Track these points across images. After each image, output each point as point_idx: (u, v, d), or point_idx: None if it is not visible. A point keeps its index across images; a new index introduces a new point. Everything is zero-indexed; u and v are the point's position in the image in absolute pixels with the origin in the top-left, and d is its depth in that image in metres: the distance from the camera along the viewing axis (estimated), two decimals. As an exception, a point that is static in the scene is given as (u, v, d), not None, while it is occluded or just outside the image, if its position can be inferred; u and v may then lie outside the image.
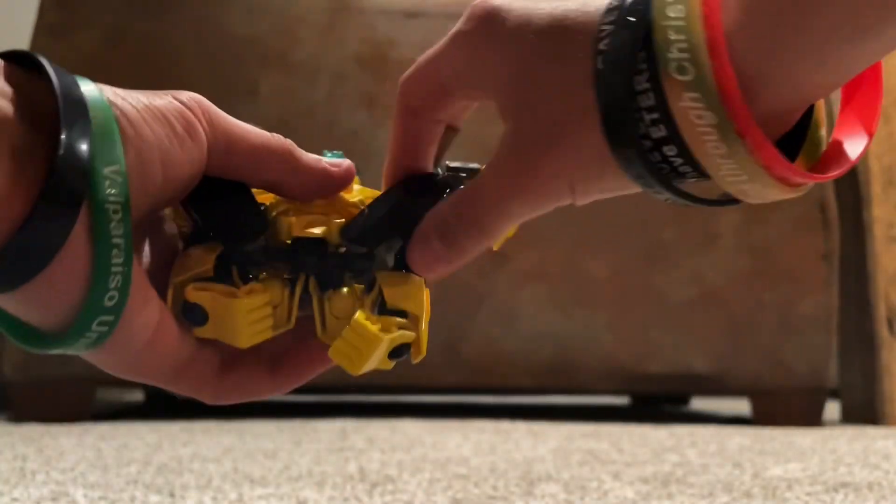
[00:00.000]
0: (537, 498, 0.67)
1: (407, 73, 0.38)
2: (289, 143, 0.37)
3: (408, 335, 0.36)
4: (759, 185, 0.32)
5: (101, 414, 1.38)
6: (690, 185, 0.34)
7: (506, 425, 1.22)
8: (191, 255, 0.36)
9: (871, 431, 1.28)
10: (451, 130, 0.39)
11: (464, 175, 0.38)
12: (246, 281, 0.36)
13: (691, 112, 0.31)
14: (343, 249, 0.37)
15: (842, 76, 0.32)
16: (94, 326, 0.31)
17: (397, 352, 0.36)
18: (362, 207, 0.38)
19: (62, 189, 0.30)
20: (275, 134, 0.36)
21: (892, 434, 1.23)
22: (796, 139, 0.34)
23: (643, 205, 1.32)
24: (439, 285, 1.41)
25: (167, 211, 0.37)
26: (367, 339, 0.35)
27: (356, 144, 1.28)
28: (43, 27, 1.32)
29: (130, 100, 0.33)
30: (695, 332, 1.36)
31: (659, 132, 0.32)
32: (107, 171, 0.31)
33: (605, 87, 0.32)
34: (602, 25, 0.32)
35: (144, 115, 0.33)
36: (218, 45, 1.34)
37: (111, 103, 0.32)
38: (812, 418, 1.36)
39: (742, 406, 1.57)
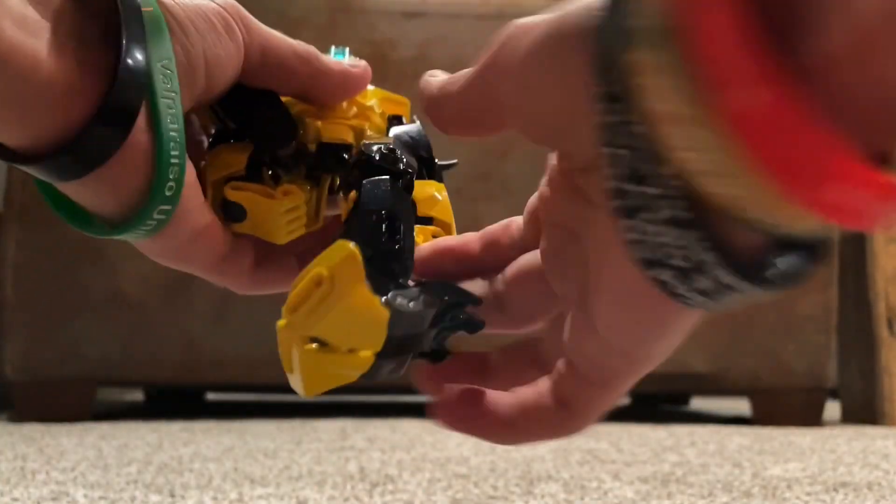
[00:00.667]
0: (537, 497, 0.67)
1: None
2: (313, 48, 0.38)
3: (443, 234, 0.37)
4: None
5: (101, 414, 1.38)
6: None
7: (506, 425, 1.22)
8: (222, 154, 0.37)
9: (870, 431, 1.28)
10: None
11: None
12: (276, 181, 0.37)
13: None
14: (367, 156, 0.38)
15: None
16: (154, 214, 0.33)
17: None
18: (378, 111, 0.39)
19: (128, 81, 0.31)
20: (299, 41, 0.38)
21: (891, 434, 1.24)
22: None
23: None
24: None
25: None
26: None
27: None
28: None
29: None
30: (694, 332, 1.35)
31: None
32: (159, 65, 0.32)
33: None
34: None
35: (189, 13, 0.34)
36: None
37: (158, 0, 0.33)
38: (811, 418, 1.36)
39: (741, 406, 1.57)
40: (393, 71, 1.23)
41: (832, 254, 1.38)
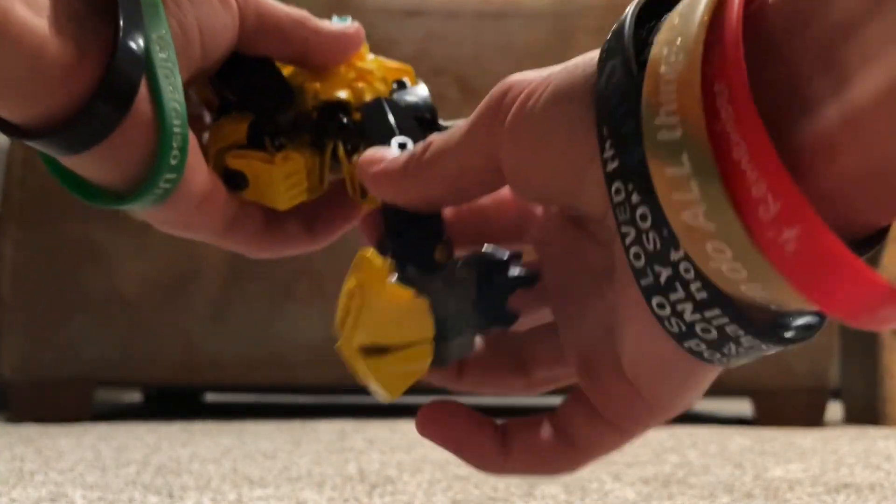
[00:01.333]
0: (537, 499, 0.67)
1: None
2: (306, 12, 0.39)
3: None
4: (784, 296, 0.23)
5: (99, 414, 1.38)
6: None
7: (506, 426, 1.22)
8: (223, 125, 0.38)
9: (872, 432, 1.28)
10: None
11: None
12: (278, 149, 0.38)
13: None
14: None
15: None
16: (161, 183, 0.34)
17: None
18: (380, 76, 0.40)
19: (128, 56, 0.32)
20: (292, 6, 0.38)
21: (893, 434, 1.23)
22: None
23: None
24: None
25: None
26: None
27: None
28: None
29: None
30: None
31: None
32: (155, 36, 0.33)
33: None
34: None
35: None
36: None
37: None
38: (813, 419, 1.36)
39: (743, 406, 1.56)
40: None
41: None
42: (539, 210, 0.33)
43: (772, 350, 0.26)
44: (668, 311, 0.25)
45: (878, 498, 0.69)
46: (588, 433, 0.30)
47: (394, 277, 0.30)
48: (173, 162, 0.34)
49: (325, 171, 0.39)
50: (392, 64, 0.41)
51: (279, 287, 1.34)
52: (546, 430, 0.31)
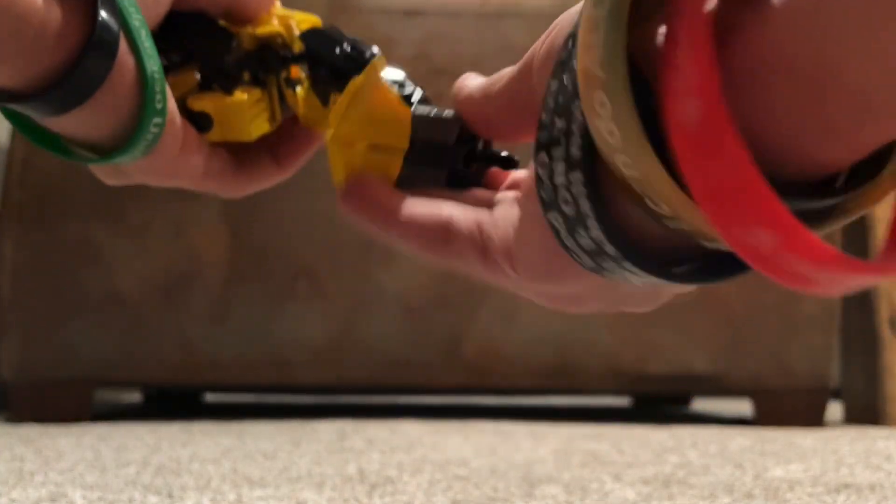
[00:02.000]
0: (538, 499, 0.67)
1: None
2: None
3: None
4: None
5: (99, 415, 1.38)
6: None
7: (506, 426, 1.22)
8: (173, 81, 0.40)
9: (872, 432, 1.27)
10: None
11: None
12: (228, 92, 0.41)
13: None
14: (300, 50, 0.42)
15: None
16: (150, 128, 0.37)
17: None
18: (296, 20, 0.43)
19: (108, 9, 0.35)
20: None
21: (894, 435, 1.23)
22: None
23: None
24: (439, 285, 1.40)
25: None
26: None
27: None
28: None
29: None
30: (696, 333, 1.35)
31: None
32: None
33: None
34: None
35: None
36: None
37: None
38: (814, 419, 1.36)
39: (743, 407, 1.56)
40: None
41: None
42: None
43: (632, 272, 0.25)
44: (545, 171, 0.25)
45: (879, 498, 0.69)
46: (468, 251, 0.32)
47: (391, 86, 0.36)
48: (158, 106, 0.36)
49: (276, 104, 0.42)
50: (303, 14, 0.44)
51: (279, 287, 1.34)
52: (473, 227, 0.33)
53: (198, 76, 0.41)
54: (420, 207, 0.34)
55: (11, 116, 0.38)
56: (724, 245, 0.22)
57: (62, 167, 1.32)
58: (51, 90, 0.34)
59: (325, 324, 1.33)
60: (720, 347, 1.36)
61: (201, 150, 0.40)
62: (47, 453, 0.91)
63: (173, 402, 1.85)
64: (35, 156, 1.33)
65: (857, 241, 1.48)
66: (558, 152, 0.25)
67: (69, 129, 0.37)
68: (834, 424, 1.42)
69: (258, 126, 0.41)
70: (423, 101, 0.39)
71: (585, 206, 0.24)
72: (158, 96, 0.36)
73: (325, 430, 1.15)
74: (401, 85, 0.40)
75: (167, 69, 0.41)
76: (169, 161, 0.39)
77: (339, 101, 0.38)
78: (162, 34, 0.40)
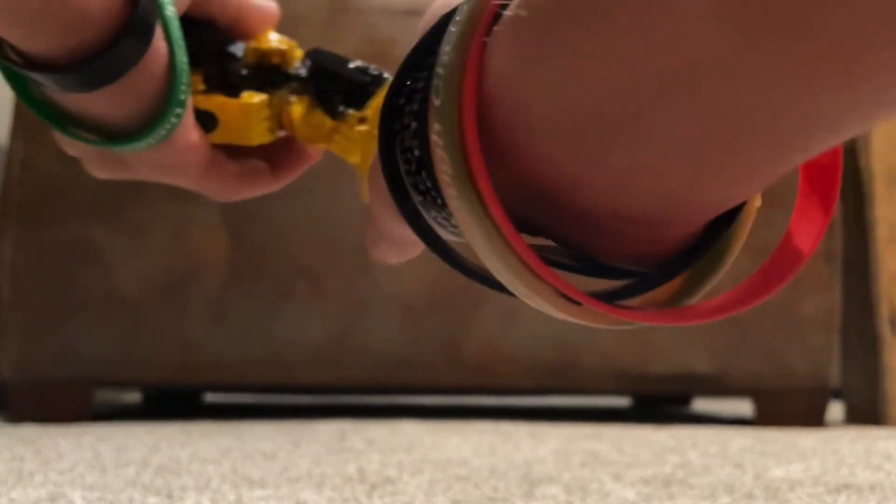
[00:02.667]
0: (538, 499, 0.67)
1: None
2: None
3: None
4: (521, 286, 0.24)
5: (99, 415, 1.37)
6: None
7: (506, 426, 1.22)
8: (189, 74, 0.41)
9: (873, 432, 1.27)
10: None
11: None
12: (233, 95, 0.42)
13: (437, 148, 0.23)
14: (304, 71, 0.43)
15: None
16: (171, 118, 0.38)
17: None
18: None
19: (148, 1, 0.36)
20: None
21: (894, 435, 1.23)
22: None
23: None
24: (439, 286, 1.40)
25: None
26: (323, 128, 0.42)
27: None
28: None
29: None
30: (696, 333, 1.35)
31: (415, 154, 0.26)
32: None
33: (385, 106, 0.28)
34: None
35: None
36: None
37: None
38: (814, 419, 1.36)
39: (744, 407, 1.56)
40: (393, 69, 1.22)
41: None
42: None
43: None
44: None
45: (879, 498, 0.69)
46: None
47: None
48: (182, 97, 0.37)
49: (275, 119, 0.43)
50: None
51: (279, 287, 1.34)
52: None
53: (202, 79, 0.41)
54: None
55: (13, 79, 0.38)
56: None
57: (62, 167, 1.32)
58: (84, 64, 0.35)
59: (325, 324, 1.33)
60: (720, 347, 1.36)
61: (205, 148, 0.41)
62: (47, 453, 0.91)
63: (173, 402, 1.85)
64: (35, 156, 1.33)
65: (857, 242, 1.48)
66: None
67: (89, 108, 0.38)
68: (834, 424, 1.42)
69: (260, 133, 0.42)
70: None
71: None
72: (184, 87, 0.37)
73: (325, 431, 1.15)
74: None
75: None
76: (176, 155, 0.40)
77: (371, 119, 0.39)
78: None
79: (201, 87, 0.41)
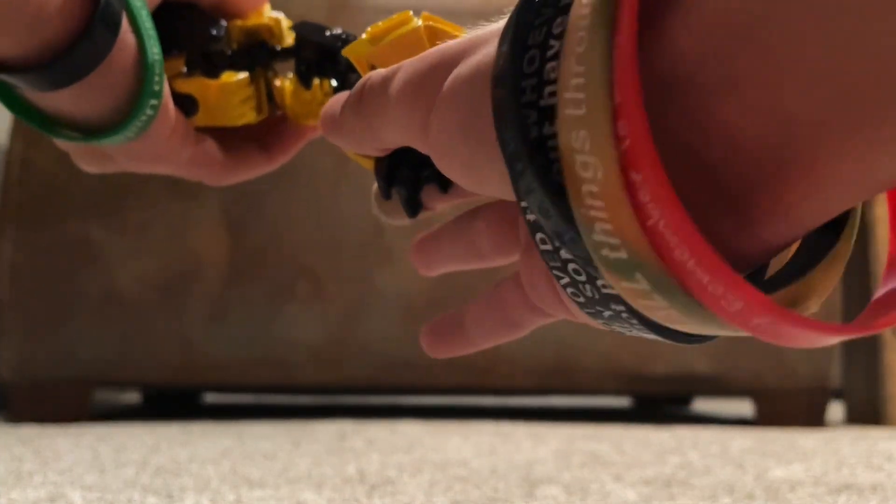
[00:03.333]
0: (538, 500, 0.67)
1: None
2: None
3: None
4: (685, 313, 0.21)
5: (98, 415, 1.37)
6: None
7: (506, 427, 1.22)
8: (165, 64, 0.40)
9: (874, 432, 1.27)
10: None
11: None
12: (215, 76, 0.41)
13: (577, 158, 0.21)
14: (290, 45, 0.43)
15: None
16: (146, 110, 0.37)
17: None
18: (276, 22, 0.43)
19: None
20: None
21: (895, 435, 1.23)
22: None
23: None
24: (439, 286, 1.40)
25: None
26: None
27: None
28: None
29: None
30: (696, 333, 1.35)
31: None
32: None
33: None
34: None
35: None
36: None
37: None
38: (815, 419, 1.36)
39: (744, 407, 1.56)
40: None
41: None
42: None
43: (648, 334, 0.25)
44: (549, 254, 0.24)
45: (880, 498, 0.69)
46: (521, 314, 0.32)
47: None
48: (156, 87, 0.36)
49: (262, 95, 0.42)
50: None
51: (279, 287, 1.33)
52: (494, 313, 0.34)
53: (182, 62, 0.41)
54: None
55: None
56: None
57: (62, 167, 1.32)
58: (49, 64, 0.34)
59: (325, 324, 1.33)
60: (720, 347, 1.36)
61: (188, 134, 0.41)
62: (46, 453, 0.91)
63: (172, 402, 1.85)
64: (35, 156, 1.33)
65: (857, 242, 1.48)
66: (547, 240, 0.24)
67: (62, 106, 0.37)
68: (835, 425, 1.42)
69: (242, 113, 0.41)
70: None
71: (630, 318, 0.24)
72: (157, 78, 0.37)
73: (325, 431, 1.14)
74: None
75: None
76: (157, 145, 0.39)
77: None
78: (153, 21, 0.40)
79: (181, 71, 0.41)
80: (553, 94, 0.22)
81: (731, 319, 0.20)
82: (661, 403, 1.94)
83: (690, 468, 0.84)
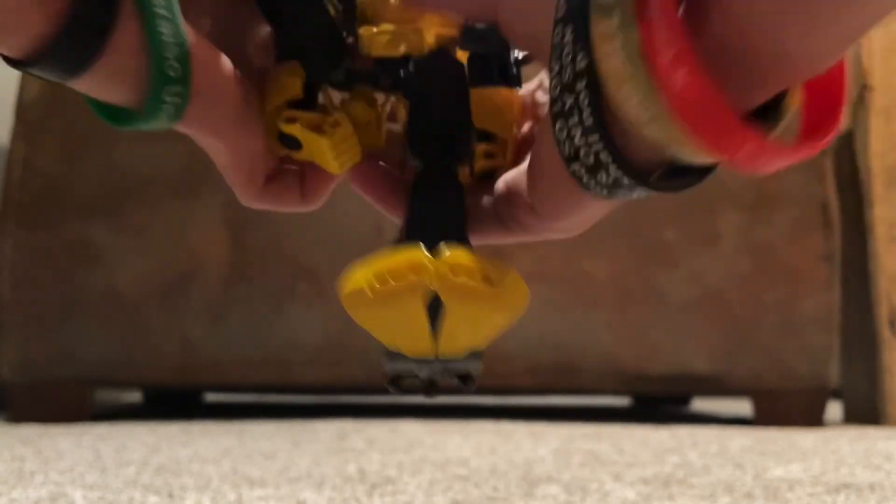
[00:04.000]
0: (538, 499, 0.67)
1: None
2: None
3: (492, 162, 0.39)
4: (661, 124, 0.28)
5: (99, 415, 1.38)
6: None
7: (506, 426, 1.22)
8: (279, 77, 0.37)
9: (872, 432, 1.27)
10: None
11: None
12: (327, 111, 0.37)
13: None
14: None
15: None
16: (167, 98, 0.33)
17: (487, 175, 0.39)
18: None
19: None
20: None
21: (893, 435, 1.23)
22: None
23: (643, 205, 1.31)
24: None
25: None
26: None
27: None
28: None
29: None
30: (695, 333, 1.35)
31: None
32: None
33: None
34: None
35: None
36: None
37: None
38: (813, 419, 1.36)
39: (743, 407, 1.56)
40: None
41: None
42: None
43: (642, 192, 0.30)
44: (564, 134, 0.30)
45: (879, 498, 0.69)
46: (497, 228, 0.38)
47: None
48: (173, 74, 0.33)
49: (384, 125, 0.39)
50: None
51: (279, 287, 1.34)
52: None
53: (300, 84, 0.37)
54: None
55: None
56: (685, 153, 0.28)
57: (62, 167, 1.32)
58: (44, 58, 0.32)
59: (325, 324, 1.33)
60: (720, 347, 1.36)
61: (256, 135, 0.37)
62: (47, 453, 0.91)
63: (173, 402, 1.85)
64: (35, 156, 1.33)
65: (856, 242, 1.48)
66: (572, 121, 0.30)
67: (90, 92, 0.35)
68: (834, 424, 1.42)
69: (343, 163, 0.37)
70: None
71: (605, 156, 0.30)
72: (173, 63, 0.33)
73: (325, 431, 1.15)
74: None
75: (277, 51, 0.38)
76: (201, 136, 0.36)
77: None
78: (267, 4, 0.37)
79: (299, 94, 0.37)
80: None
81: (662, 73, 0.26)
82: (660, 403, 1.94)
83: (689, 467, 0.84)
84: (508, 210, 0.37)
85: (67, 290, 1.33)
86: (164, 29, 0.33)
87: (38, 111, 1.34)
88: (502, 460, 0.88)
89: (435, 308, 0.32)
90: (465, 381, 0.37)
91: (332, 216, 1.32)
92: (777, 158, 0.28)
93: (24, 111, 1.34)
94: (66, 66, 0.32)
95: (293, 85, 0.37)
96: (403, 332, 0.33)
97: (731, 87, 0.27)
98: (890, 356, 1.43)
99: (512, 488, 0.71)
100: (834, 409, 1.56)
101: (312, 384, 1.36)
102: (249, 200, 0.39)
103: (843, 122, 0.32)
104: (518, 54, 0.39)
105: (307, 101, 0.37)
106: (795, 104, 0.30)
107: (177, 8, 0.33)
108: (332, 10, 0.37)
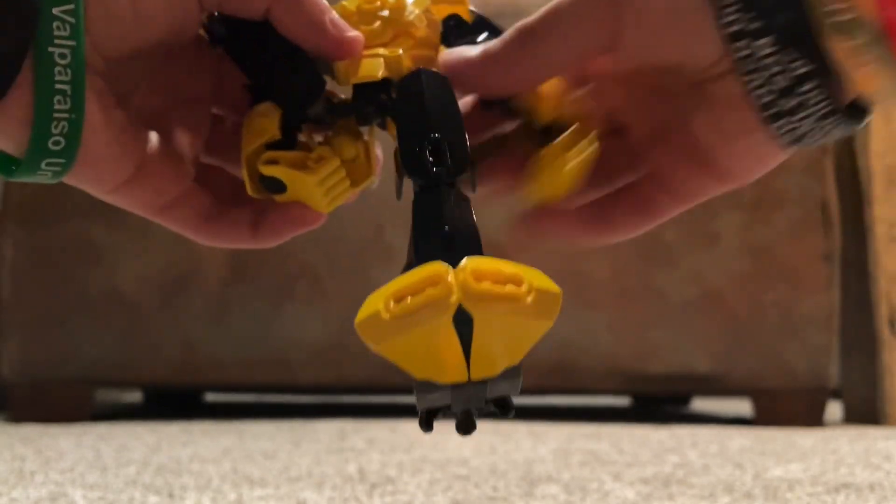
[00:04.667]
0: (538, 499, 0.67)
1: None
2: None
3: (590, 150, 0.38)
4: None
5: (99, 415, 1.38)
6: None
7: (506, 426, 1.22)
8: (254, 119, 0.35)
9: (872, 432, 1.27)
10: None
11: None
12: (309, 148, 0.35)
13: None
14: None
15: None
16: (43, 166, 0.32)
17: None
18: (425, 22, 0.36)
19: (5, 34, 0.29)
20: None
21: (893, 434, 1.23)
22: None
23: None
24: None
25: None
26: None
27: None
28: None
29: None
30: (695, 333, 1.35)
31: None
32: (56, 11, 0.29)
33: None
34: None
35: None
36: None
37: None
38: (813, 419, 1.36)
39: (743, 406, 1.56)
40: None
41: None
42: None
43: (841, 127, 0.33)
44: (756, 73, 0.32)
45: (878, 498, 0.69)
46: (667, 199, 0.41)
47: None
48: (55, 147, 0.31)
49: (373, 157, 0.36)
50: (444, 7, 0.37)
51: (279, 287, 1.34)
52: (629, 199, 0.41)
53: (277, 124, 0.34)
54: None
55: None
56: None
57: (62, 167, 1.32)
58: None
59: (325, 324, 1.33)
60: (720, 347, 1.36)
61: (158, 193, 0.35)
62: (48, 453, 0.91)
63: (173, 401, 1.85)
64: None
65: (856, 242, 1.48)
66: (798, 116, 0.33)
67: None
68: (834, 424, 1.42)
69: (334, 199, 0.36)
70: None
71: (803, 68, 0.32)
72: (58, 138, 0.31)
73: (325, 430, 1.15)
74: None
75: (251, 93, 0.36)
76: (102, 192, 0.34)
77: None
78: (236, 45, 0.35)
79: (276, 136, 0.34)
80: None
81: None
82: (660, 403, 1.94)
83: (689, 467, 0.84)
84: (660, 185, 0.39)
85: (68, 290, 1.33)
86: (60, 105, 0.30)
87: (38, 111, 1.34)
88: (502, 460, 0.88)
89: (461, 326, 0.28)
90: (504, 409, 0.33)
91: (332, 216, 1.31)
92: None
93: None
94: None
95: (269, 126, 0.34)
96: (430, 355, 0.29)
97: None
98: (890, 356, 1.43)
99: (512, 488, 0.71)
100: (834, 409, 1.56)
101: (312, 384, 1.36)
102: (193, 237, 0.37)
103: None
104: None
105: (287, 142, 0.35)
106: None
107: (81, 79, 0.30)
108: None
